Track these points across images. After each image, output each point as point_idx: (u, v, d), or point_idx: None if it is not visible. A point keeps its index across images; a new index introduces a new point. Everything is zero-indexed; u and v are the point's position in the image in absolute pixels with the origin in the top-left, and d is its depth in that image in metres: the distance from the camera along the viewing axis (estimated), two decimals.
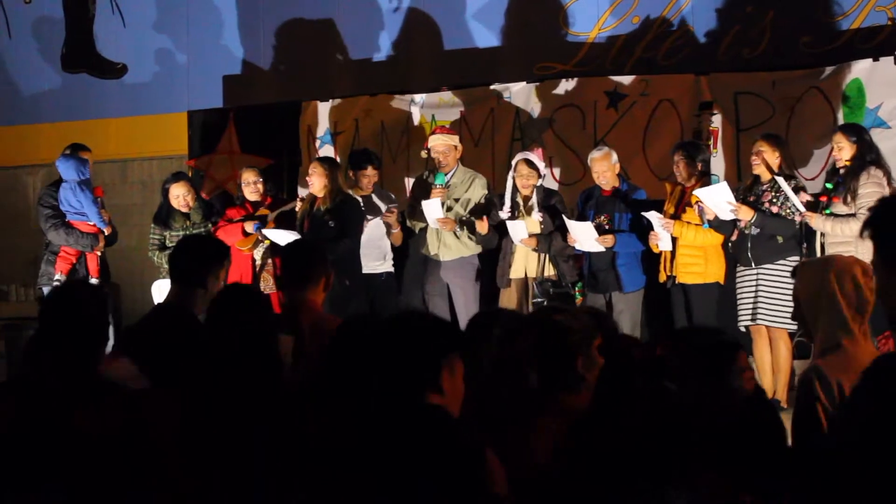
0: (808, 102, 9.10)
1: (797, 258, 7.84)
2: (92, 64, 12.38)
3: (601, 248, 8.41)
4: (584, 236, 8.40)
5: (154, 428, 3.85)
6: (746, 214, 8.00)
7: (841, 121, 8.79)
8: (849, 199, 7.76)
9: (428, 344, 3.27)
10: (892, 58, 8.83)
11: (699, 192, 8.13)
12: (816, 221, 7.84)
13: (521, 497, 3.17)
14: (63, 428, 3.85)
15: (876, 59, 8.90)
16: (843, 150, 7.89)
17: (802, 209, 7.88)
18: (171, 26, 12.13)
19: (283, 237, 8.46)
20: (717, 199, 8.04)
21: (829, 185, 7.97)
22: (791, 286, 7.80)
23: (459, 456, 3.06)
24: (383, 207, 9.08)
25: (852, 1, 9.57)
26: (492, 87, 10.18)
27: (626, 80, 9.74)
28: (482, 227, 8.67)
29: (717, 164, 9.28)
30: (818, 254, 7.85)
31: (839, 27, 9.56)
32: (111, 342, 6.04)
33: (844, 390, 3.68)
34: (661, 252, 8.40)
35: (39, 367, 4.06)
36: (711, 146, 9.24)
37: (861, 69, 8.92)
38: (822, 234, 7.95)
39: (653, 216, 8.26)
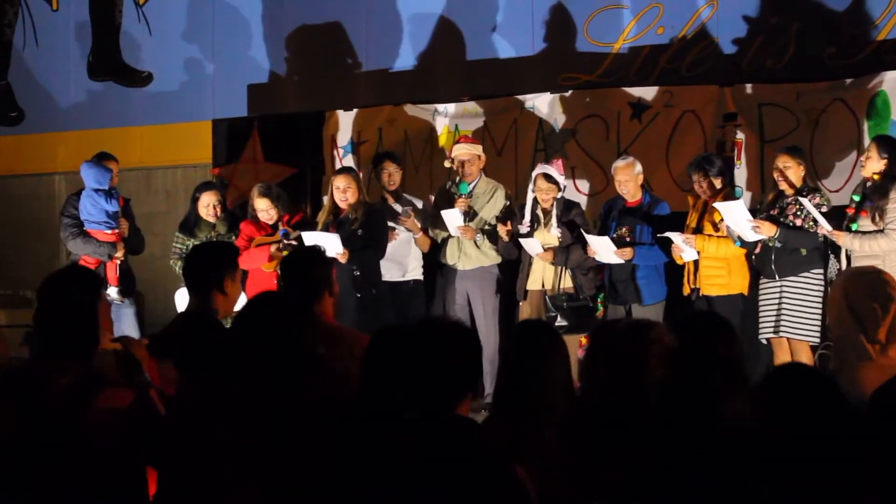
0: (833, 114, 9.03)
1: (821, 270, 7.84)
2: (118, 72, 12.41)
3: (620, 261, 8.37)
4: (602, 249, 8.37)
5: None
6: (770, 231, 7.90)
7: (866, 133, 8.73)
8: (876, 217, 7.64)
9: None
10: None
11: (720, 206, 8.07)
12: (844, 240, 7.71)
13: None
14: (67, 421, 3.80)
15: None
16: (871, 161, 7.75)
17: (829, 228, 7.76)
18: (196, 35, 12.13)
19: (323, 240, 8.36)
20: (737, 217, 7.98)
21: (855, 198, 7.88)
22: (815, 299, 7.80)
23: (490, 471, 2.91)
24: (399, 210, 9.07)
25: (878, 12, 9.48)
26: (515, 97, 10.15)
27: (649, 91, 9.70)
28: (503, 231, 8.65)
29: (741, 175, 9.23)
30: (845, 265, 7.78)
31: (865, 39, 9.46)
32: None
33: None
34: (684, 264, 8.36)
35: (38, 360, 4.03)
36: (735, 157, 9.19)
37: (887, 81, 8.84)
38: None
39: (674, 237, 8.20)
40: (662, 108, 9.58)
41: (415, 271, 9.25)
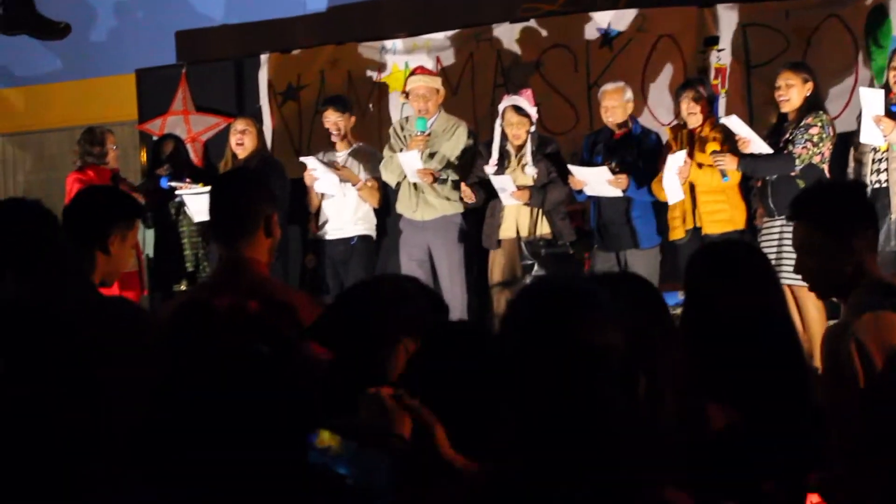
0: (827, 33, 8.12)
1: None
2: (32, 24, 11.36)
3: (616, 192, 7.37)
4: (594, 180, 7.38)
5: None
6: (731, 163, 7.06)
7: (864, 53, 7.85)
8: None
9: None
10: None
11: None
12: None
13: None
14: None
15: None
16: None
17: (764, 147, 6.97)
18: None
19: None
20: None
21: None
22: None
23: None
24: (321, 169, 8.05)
25: None
26: (471, 28, 9.12)
27: (620, 15, 8.71)
28: (468, 194, 7.63)
29: (723, 106, 8.26)
30: None
31: None
32: None
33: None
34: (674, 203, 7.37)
35: None
36: (720, 86, 8.24)
37: None
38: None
39: (669, 172, 7.20)
40: (635, 34, 8.62)
41: (355, 227, 8.18)
